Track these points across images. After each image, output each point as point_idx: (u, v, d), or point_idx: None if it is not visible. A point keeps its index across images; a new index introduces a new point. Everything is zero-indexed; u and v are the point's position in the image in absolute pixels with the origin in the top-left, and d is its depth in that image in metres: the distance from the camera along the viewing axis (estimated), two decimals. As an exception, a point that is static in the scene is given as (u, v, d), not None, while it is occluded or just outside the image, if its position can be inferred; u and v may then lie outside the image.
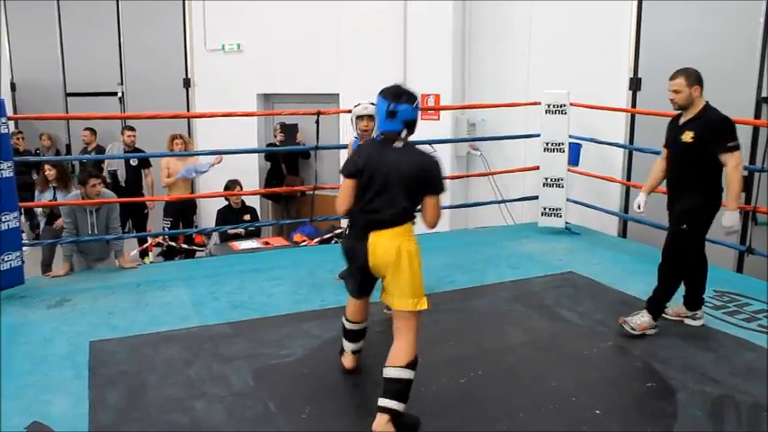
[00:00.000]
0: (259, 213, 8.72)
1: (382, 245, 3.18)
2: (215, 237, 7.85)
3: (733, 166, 3.93)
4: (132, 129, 8.42)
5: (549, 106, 6.47)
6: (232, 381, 3.60)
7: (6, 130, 4.82)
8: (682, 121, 4.16)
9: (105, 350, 3.98)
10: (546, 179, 6.56)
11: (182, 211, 8.43)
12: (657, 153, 6.11)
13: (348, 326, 3.70)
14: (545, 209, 6.62)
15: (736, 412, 3.31)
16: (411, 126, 3.26)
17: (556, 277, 5.33)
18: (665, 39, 7.07)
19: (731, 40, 6.71)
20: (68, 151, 11.01)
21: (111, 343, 4.09)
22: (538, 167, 6.67)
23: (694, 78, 4.05)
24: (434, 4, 7.92)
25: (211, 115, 6.45)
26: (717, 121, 4.01)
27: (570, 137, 6.52)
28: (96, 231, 5.44)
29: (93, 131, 9.42)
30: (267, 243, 7.15)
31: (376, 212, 3.18)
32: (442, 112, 7.86)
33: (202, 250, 8.09)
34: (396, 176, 3.16)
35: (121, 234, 5.70)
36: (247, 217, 7.95)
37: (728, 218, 4.02)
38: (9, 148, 4.87)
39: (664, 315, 4.31)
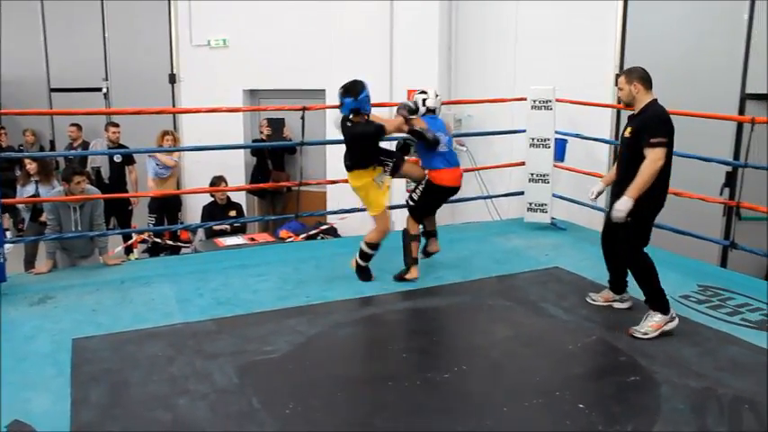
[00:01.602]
0: (245, 209, 8.69)
1: (351, 180, 4.98)
2: (200, 233, 7.82)
3: (649, 160, 3.98)
4: (116, 125, 8.35)
5: (534, 102, 6.47)
6: (216, 377, 3.58)
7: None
8: (629, 117, 4.33)
9: (88, 347, 3.95)
10: (532, 175, 6.56)
11: (166, 208, 8.40)
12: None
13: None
14: (531, 204, 6.62)
15: (718, 406, 3.33)
16: (357, 111, 4.81)
17: (541, 273, 5.34)
18: (651, 35, 7.11)
19: (716, 37, 6.76)
20: (52, 147, 10.90)
21: (94, 340, 4.06)
22: (524, 163, 6.68)
23: (635, 76, 4.15)
24: (422, 2, 7.93)
25: (196, 110, 6.42)
26: (649, 117, 4.10)
27: (556, 132, 6.53)
28: (80, 228, 5.40)
29: (78, 127, 9.35)
30: (252, 239, 7.13)
31: (346, 161, 4.95)
32: (428, 107, 7.84)
33: (188, 247, 8.05)
34: (348, 140, 4.93)
35: (105, 231, 5.64)
36: (233, 213, 7.93)
37: (621, 202, 4.03)
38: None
39: (592, 300, 4.62)
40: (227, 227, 7.46)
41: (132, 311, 4.56)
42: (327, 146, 8.09)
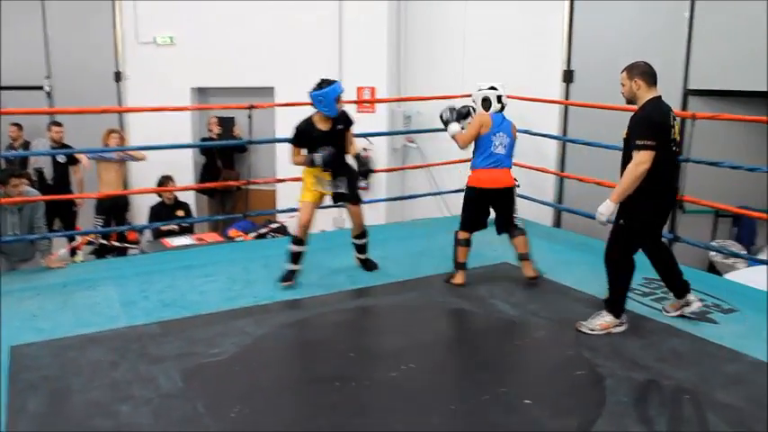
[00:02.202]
0: (195, 208, 8.56)
1: None
2: (147, 234, 7.67)
3: (634, 162, 3.82)
4: (59, 124, 8.14)
5: (483, 99, 6.49)
6: (160, 382, 3.51)
7: None
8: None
9: (27, 354, 3.83)
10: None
11: (114, 209, 8.20)
12: (590, 144, 6.28)
13: None
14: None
15: (660, 396, 3.40)
16: (312, 103, 4.78)
17: (490, 268, 5.38)
18: (596, 33, 7.23)
19: (659, 34, 6.89)
20: (-8, 147, 10.57)
21: (33, 347, 3.93)
22: (473, 159, 6.70)
23: (637, 72, 3.92)
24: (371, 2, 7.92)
25: (142, 110, 6.29)
26: (639, 117, 3.92)
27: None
28: (18, 232, 5.23)
29: (19, 127, 9.07)
30: (201, 239, 7.02)
31: None
32: (377, 104, 7.84)
33: (135, 248, 7.89)
34: None
35: (46, 234, 5.49)
36: (181, 213, 7.81)
37: (603, 206, 3.95)
38: None
39: (666, 312, 4.35)
40: (176, 227, 7.34)
41: (75, 316, 4.44)
42: (277, 144, 8.01)
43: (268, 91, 8.49)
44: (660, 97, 3.94)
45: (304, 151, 4.92)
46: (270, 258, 5.58)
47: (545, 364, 3.89)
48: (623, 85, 3.99)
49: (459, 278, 4.99)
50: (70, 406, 3.29)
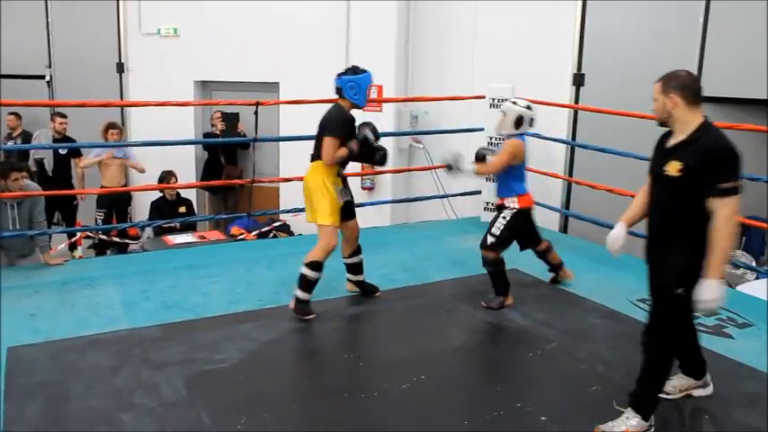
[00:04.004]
0: (196, 204, 8.45)
1: (307, 174, 4.43)
2: (148, 230, 7.55)
3: (724, 217, 2.82)
4: (63, 116, 8.04)
5: (493, 101, 6.41)
6: (163, 389, 3.40)
7: None
8: (670, 143, 3.03)
9: (24, 357, 3.72)
10: (489, 174, 6.48)
11: (116, 203, 8.08)
12: (599, 150, 6.18)
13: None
14: (488, 204, 6.56)
15: (678, 415, 3.30)
16: (338, 91, 4.35)
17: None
18: (609, 35, 7.12)
19: (672, 39, 6.78)
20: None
21: (31, 349, 3.82)
22: (481, 162, 6.60)
23: (674, 85, 2.94)
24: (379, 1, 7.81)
25: (144, 104, 6.14)
26: (712, 149, 2.86)
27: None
28: (18, 226, 5.12)
29: (17, 116, 8.95)
30: (203, 237, 6.91)
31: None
32: (384, 103, 7.73)
33: (136, 243, 7.77)
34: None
35: (46, 229, 5.37)
36: (183, 209, 7.69)
37: (708, 289, 2.85)
38: None
39: (666, 395, 3.36)
40: (177, 224, 7.21)
41: (74, 316, 4.33)
42: (281, 143, 7.91)
43: (273, 86, 8.38)
44: (709, 120, 2.98)
45: None
46: (274, 259, 5.48)
47: (559, 378, 3.77)
48: (655, 100, 3.02)
49: (510, 299, 4.68)
50: (69, 413, 3.18)
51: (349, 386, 3.52)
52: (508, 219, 4.64)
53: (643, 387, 3.14)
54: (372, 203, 6.74)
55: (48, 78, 9.98)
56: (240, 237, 7.26)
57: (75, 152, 8.13)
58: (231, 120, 8.55)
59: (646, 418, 3.12)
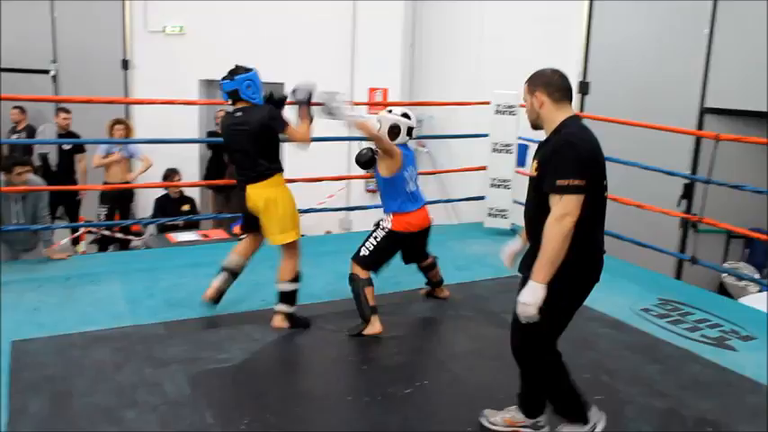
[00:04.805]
0: (199, 203, 8.45)
1: (260, 192, 4.12)
2: (151, 227, 7.55)
3: (554, 216, 2.59)
4: (67, 111, 8.04)
5: (498, 107, 6.41)
6: (166, 388, 3.40)
7: None
8: (539, 145, 2.88)
9: (29, 351, 3.72)
10: (493, 180, 6.51)
11: (119, 199, 8.07)
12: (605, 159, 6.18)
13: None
14: (492, 210, 6.56)
15: (682, 427, 3.30)
16: (235, 94, 4.12)
17: (503, 280, 5.25)
18: (614, 44, 7.13)
19: (677, 49, 6.80)
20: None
21: (35, 343, 3.82)
22: (485, 168, 6.61)
23: (538, 83, 2.80)
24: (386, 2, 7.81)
25: (149, 102, 6.15)
26: (557, 144, 2.69)
27: (519, 138, 6.48)
28: (21, 221, 5.11)
29: (22, 110, 8.95)
30: (206, 235, 6.90)
31: (245, 170, 4.18)
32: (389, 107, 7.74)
33: (138, 239, 7.77)
34: (242, 136, 4.09)
35: (50, 224, 5.37)
36: (186, 207, 7.69)
37: (528, 292, 2.65)
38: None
39: (492, 426, 3.14)
40: (180, 222, 7.22)
41: (78, 312, 4.33)
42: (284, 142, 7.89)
43: (278, 87, 8.36)
44: (578, 117, 2.84)
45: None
46: (276, 260, 5.45)
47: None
48: (525, 102, 2.89)
49: (377, 325, 4.15)
50: (73, 409, 3.18)
51: (352, 389, 3.53)
52: (378, 239, 4.22)
53: (551, 399, 3.06)
54: (377, 207, 6.72)
55: (53, 73, 9.98)
56: (243, 236, 7.23)
57: (79, 148, 8.13)
58: (235, 119, 8.53)
59: (584, 420, 3.00)
